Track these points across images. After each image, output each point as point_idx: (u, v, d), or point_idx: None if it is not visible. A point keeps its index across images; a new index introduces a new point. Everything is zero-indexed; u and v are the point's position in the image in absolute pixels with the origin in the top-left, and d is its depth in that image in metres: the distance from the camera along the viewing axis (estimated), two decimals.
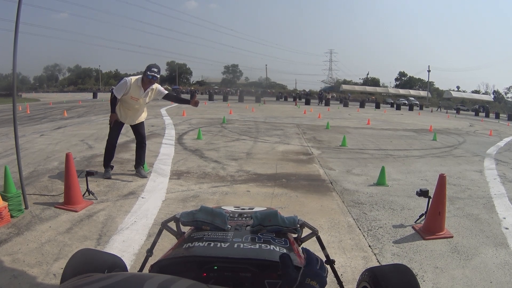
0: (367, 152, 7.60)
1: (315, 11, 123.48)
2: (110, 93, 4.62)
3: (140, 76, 4.44)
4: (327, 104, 32.85)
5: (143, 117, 4.79)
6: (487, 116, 32.83)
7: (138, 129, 4.79)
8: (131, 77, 4.49)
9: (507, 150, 9.24)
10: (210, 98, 32.34)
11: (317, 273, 0.96)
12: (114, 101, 4.45)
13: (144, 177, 4.71)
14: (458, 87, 65.79)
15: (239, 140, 8.52)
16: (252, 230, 1.54)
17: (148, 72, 4.29)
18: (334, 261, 1.67)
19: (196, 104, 4.53)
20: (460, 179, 5.47)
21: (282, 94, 47.92)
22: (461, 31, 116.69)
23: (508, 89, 62.89)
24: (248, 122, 13.00)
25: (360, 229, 3.30)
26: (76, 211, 3.41)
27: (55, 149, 6.41)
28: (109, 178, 4.59)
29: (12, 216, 3.16)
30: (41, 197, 3.78)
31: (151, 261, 1.45)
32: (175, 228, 1.66)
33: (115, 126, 4.62)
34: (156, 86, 4.57)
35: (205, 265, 1.32)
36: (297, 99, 38.92)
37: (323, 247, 1.66)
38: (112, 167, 4.79)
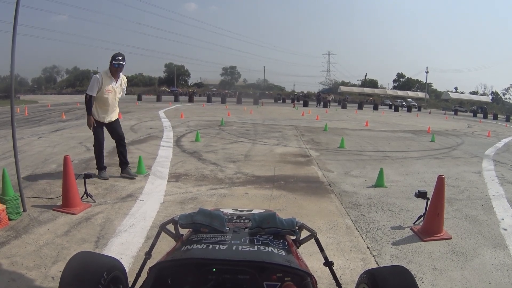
0: (366, 154, 7.62)
1: (313, 12, 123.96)
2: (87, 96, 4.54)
3: (107, 68, 4.47)
4: (325, 106, 32.90)
5: (116, 113, 4.77)
6: (485, 117, 33.01)
7: (115, 128, 4.73)
8: (99, 72, 4.55)
9: (505, 151, 9.28)
10: (208, 100, 32.34)
11: None
12: (89, 102, 4.42)
13: (133, 177, 4.70)
14: (456, 88, 66.14)
15: (237, 142, 8.52)
16: (251, 232, 1.54)
17: (113, 62, 4.35)
18: (333, 263, 1.67)
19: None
20: (459, 180, 5.49)
21: (280, 96, 47.98)
22: (459, 32, 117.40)
23: (506, 90, 63.18)
24: (246, 124, 13.01)
25: (358, 231, 3.30)
26: (74, 214, 3.40)
27: (53, 152, 6.40)
28: (107, 179, 4.58)
29: (10, 219, 3.15)
30: (39, 200, 3.77)
31: (150, 263, 1.45)
32: (173, 231, 1.65)
33: (98, 128, 4.58)
34: (122, 75, 4.64)
35: (203, 268, 1.32)
36: (295, 101, 38.95)
37: (321, 249, 1.66)
38: (105, 168, 4.78)
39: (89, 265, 1.45)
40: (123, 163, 4.80)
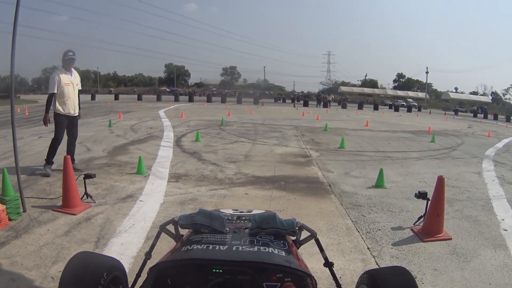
0: (366, 154, 7.62)
1: (313, 13, 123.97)
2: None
3: (61, 66, 4.83)
4: (325, 106, 32.91)
5: (78, 107, 5.03)
6: (485, 117, 33.01)
7: (75, 125, 5.05)
8: (54, 71, 4.92)
9: (505, 151, 9.28)
10: (208, 100, 32.36)
11: None
12: (50, 100, 4.71)
13: (80, 170, 4.77)
14: (456, 89, 66.09)
15: (237, 142, 8.52)
16: (251, 233, 1.54)
17: (65, 57, 4.74)
18: (333, 264, 1.67)
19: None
20: (459, 181, 5.48)
21: (281, 95, 47.99)
22: (459, 32, 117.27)
23: (506, 90, 63.05)
24: (246, 124, 13.01)
25: (358, 232, 3.30)
26: (74, 214, 3.39)
27: None
28: (49, 175, 4.69)
29: (10, 219, 3.14)
30: (39, 200, 3.77)
31: (150, 264, 1.45)
32: (173, 231, 1.66)
33: (62, 124, 4.85)
34: (74, 70, 4.98)
35: (203, 268, 1.32)
36: (295, 101, 38.95)
37: (321, 250, 1.66)
38: (52, 163, 4.91)
39: (89, 265, 1.45)
40: (72, 159, 4.94)
